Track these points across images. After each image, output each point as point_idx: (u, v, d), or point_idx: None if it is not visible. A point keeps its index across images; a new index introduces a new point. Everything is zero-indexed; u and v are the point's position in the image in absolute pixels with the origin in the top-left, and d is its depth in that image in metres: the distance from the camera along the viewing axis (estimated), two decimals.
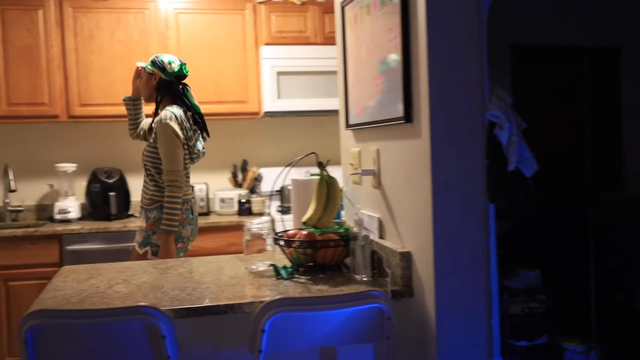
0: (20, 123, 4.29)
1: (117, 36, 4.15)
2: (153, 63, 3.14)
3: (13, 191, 4.15)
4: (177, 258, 2.96)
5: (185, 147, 3.10)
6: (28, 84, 4.05)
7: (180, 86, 3.17)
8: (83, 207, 4.30)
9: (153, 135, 3.10)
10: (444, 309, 1.90)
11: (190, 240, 3.20)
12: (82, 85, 4.11)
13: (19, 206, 4.32)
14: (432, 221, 1.88)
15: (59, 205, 4.14)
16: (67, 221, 4.10)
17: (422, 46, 1.88)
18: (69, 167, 4.21)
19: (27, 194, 4.39)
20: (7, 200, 4.28)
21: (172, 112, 3.05)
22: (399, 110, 2.02)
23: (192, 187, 3.27)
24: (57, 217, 4.11)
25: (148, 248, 3.08)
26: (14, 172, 4.21)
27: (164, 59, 3.13)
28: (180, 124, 3.05)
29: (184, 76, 3.19)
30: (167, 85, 3.14)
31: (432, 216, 1.88)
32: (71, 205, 4.14)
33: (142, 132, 3.36)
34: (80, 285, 2.19)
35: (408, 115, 1.97)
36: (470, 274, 1.92)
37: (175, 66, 3.12)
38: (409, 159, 2.02)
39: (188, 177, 3.19)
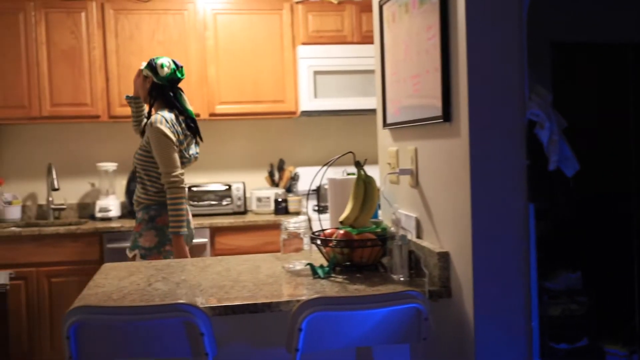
0: (63, 123, 4.39)
1: (156, 37, 4.21)
2: (148, 65, 3.16)
3: (56, 190, 4.25)
4: (213, 257, 2.99)
5: (178, 148, 3.10)
6: (71, 85, 4.15)
7: (172, 91, 3.16)
8: (123, 206, 4.38)
9: (145, 137, 3.13)
10: (482, 310, 1.87)
11: (187, 242, 3.17)
12: (122, 85, 4.18)
13: (62, 204, 4.43)
14: (471, 221, 1.85)
15: (100, 203, 4.22)
16: (108, 219, 4.19)
17: (461, 44, 1.86)
18: (110, 166, 4.29)
19: (69, 192, 4.49)
20: (50, 199, 4.39)
21: (163, 116, 3.07)
22: (437, 109, 2.00)
23: (186, 188, 3.24)
24: (98, 215, 4.19)
25: (137, 251, 3.10)
26: (57, 171, 4.31)
27: (157, 62, 3.13)
28: (171, 128, 3.07)
29: (178, 80, 3.18)
30: (159, 88, 3.15)
31: (470, 216, 1.85)
32: (111, 204, 4.22)
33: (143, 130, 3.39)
34: (121, 283, 2.23)
35: (447, 114, 1.95)
36: (510, 274, 1.89)
37: (167, 70, 3.11)
38: (447, 158, 2.00)
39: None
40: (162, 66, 3.10)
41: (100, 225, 3.97)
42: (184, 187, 3.08)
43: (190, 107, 3.21)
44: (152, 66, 3.13)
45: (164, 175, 3.06)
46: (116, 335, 1.77)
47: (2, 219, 4.25)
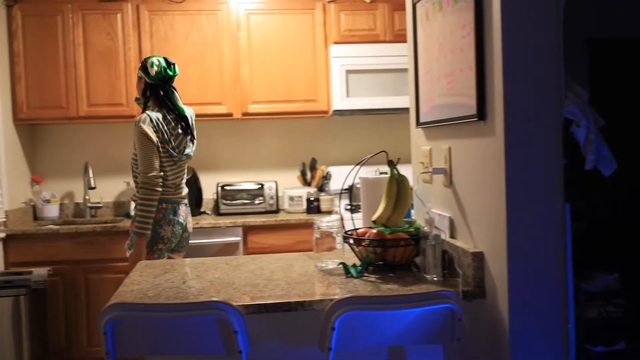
0: (99, 123, 4.47)
1: (190, 37, 4.26)
2: (141, 65, 3.20)
3: (92, 188, 4.33)
4: (246, 255, 3.01)
5: (162, 149, 3.11)
6: (107, 85, 4.22)
7: (163, 90, 3.18)
8: None
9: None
10: (517, 312, 1.85)
11: (172, 241, 3.20)
12: None
13: (98, 203, 4.51)
14: (506, 221, 1.83)
15: None
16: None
17: (496, 42, 1.84)
18: None
19: (105, 191, 4.57)
20: (87, 197, 4.47)
21: (148, 115, 3.11)
22: (471, 107, 1.98)
23: (184, 188, 3.32)
24: (133, 213, 4.24)
25: (132, 251, 3.14)
26: (94, 170, 4.39)
27: (147, 62, 3.15)
28: (155, 127, 3.08)
29: (169, 78, 3.18)
30: (151, 88, 3.18)
31: (505, 216, 1.83)
32: None
33: None
34: (156, 280, 2.26)
35: (481, 113, 1.93)
36: (545, 275, 1.87)
37: (157, 69, 3.12)
38: (482, 157, 1.98)
39: (174, 178, 3.21)
40: (152, 65, 3.13)
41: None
42: (155, 190, 3.08)
43: (182, 105, 3.23)
44: (143, 66, 3.17)
45: (140, 174, 3.09)
46: (151, 331, 1.80)
47: (40, 217, 4.34)
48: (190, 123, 3.27)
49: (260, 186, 4.35)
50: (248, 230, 4.05)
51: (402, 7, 4.18)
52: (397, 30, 4.36)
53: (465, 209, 2.15)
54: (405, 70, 4.18)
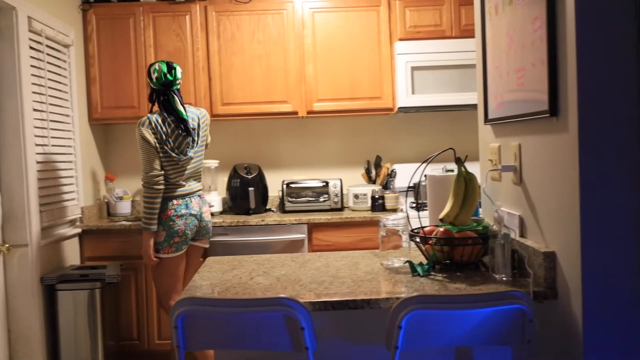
0: None
1: (256, 37, 4.31)
2: (147, 71, 3.41)
3: None
4: (312, 253, 3.02)
5: (160, 150, 3.32)
6: None
7: (165, 94, 3.35)
8: (224, 202, 4.52)
9: None
10: (592, 314, 1.79)
11: (187, 233, 3.41)
12: (224, 85, 4.32)
13: None
14: (580, 220, 1.77)
15: None
16: (211, 214, 4.33)
17: (570, 35, 1.78)
18: (212, 163, 4.43)
19: None
20: None
21: (147, 118, 3.35)
22: (543, 103, 1.92)
23: (196, 182, 3.54)
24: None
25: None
26: None
27: (151, 68, 3.36)
28: (154, 129, 3.31)
29: (170, 83, 3.35)
30: (155, 92, 3.39)
31: (579, 215, 1.77)
32: (214, 200, 4.36)
33: None
34: (224, 276, 2.30)
35: (554, 109, 1.88)
36: (622, 276, 1.79)
37: (157, 75, 3.33)
38: (553, 154, 1.92)
39: (177, 177, 3.39)
40: (154, 71, 3.35)
41: None
42: (155, 188, 3.31)
43: (181, 108, 3.36)
44: (148, 71, 3.39)
45: (142, 174, 3.36)
46: (220, 326, 1.83)
47: (113, 213, 4.50)
48: (192, 125, 3.43)
49: (325, 184, 4.37)
50: (313, 227, 4.07)
51: (469, 2, 4.11)
52: (464, 25, 4.28)
53: (536, 208, 2.09)
54: (472, 66, 4.13)
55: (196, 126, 3.46)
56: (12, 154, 3.37)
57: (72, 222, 4.03)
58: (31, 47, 3.53)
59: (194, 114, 3.48)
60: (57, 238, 3.74)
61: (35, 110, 3.55)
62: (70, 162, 3.99)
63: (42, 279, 3.51)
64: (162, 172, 3.35)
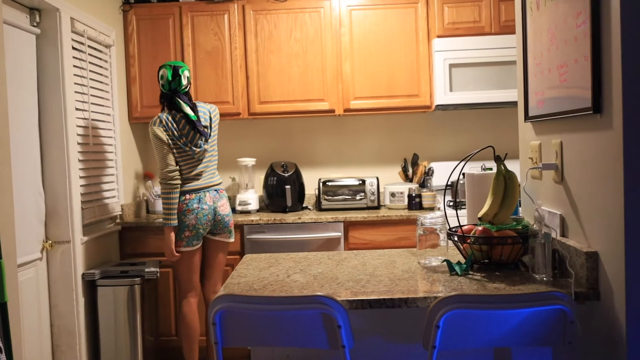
0: None
1: (294, 35, 4.32)
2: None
3: None
4: (348, 251, 3.02)
5: (174, 146, 3.44)
6: (214, 84, 4.36)
7: (172, 98, 3.47)
8: (261, 199, 4.55)
9: None
10: (635, 316, 1.74)
11: (198, 227, 3.48)
12: (261, 83, 4.34)
13: None
14: (624, 219, 1.73)
15: (240, 197, 4.41)
16: (247, 212, 4.36)
17: (615, 30, 1.74)
18: (249, 161, 4.47)
19: None
20: None
21: (158, 117, 3.48)
22: (586, 100, 1.88)
23: (211, 176, 3.64)
24: (239, 208, 4.38)
25: None
26: None
27: (158, 73, 3.49)
28: (165, 126, 3.43)
29: (175, 89, 3.46)
30: (164, 96, 3.50)
31: (623, 214, 1.73)
32: (251, 197, 4.39)
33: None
34: (262, 273, 2.31)
35: (597, 106, 1.83)
36: None
37: (162, 82, 3.48)
38: (597, 152, 1.88)
39: (190, 170, 3.50)
40: (160, 78, 3.47)
41: (240, 218, 4.14)
42: (171, 183, 3.43)
43: (189, 110, 3.45)
44: (158, 74, 3.55)
45: (158, 172, 3.50)
46: (257, 323, 1.84)
47: (152, 210, 4.56)
48: (204, 122, 3.52)
49: (361, 182, 4.36)
50: (349, 225, 4.06)
51: None
52: (504, 21, 4.22)
53: (578, 207, 2.04)
54: (511, 62, 4.07)
55: (208, 121, 3.56)
56: (55, 152, 3.45)
57: (112, 219, 4.11)
58: (74, 48, 3.60)
59: (205, 110, 3.57)
60: (98, 235, 3.81)
61: (77, 109, 3.62)
62: (110, 160, 4.07)
63: (83, 275, 3.59)
64: (177, 167, 3.47)
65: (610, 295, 1.83)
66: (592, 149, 1.92)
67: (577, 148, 2.04)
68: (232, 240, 3.67)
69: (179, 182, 3.45)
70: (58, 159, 3.46)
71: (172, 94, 3.47)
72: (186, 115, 3.44)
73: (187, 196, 3.48)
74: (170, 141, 3.43)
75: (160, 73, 3.49)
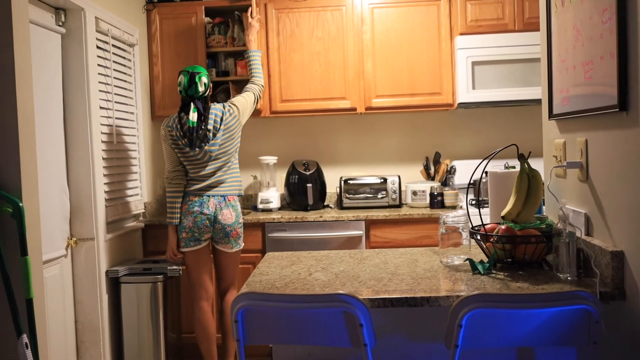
0: None
1: (315, 33, 4.32)
2: None
3: None
4: (370, 249, 3.01)
5: (174, 146, 3.48)
6: None
7: (185, 104, 3.47)
8: (282, 197, 4.56)
9: None
10: None
11: (194, 231, 3.48)
12: (283, 81, 4.35)
13: None
14: None
15: (262, 195, 4.42)
16: (269, 210, 4.37)
17: None
18: (271, 159, 4.48)
19: None
20: None
21: (169, 117, 3.54)
22: (612, 97, 1.85)
23: (218, 181, 3.57)
24: (260, 206, 4.39)
25: None
26: None
27: (178, 79, 3.52)
28: (170, 126, 3.48)
29: (191, 96, 3.47)
30: (182, 100, 3.52)
31: None
32: (272, 196, 4.40)
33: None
34: (283, 271, 2.32)
35: (623, 103, 1.81)
36: None
37: (180, 88, 3.48)
38: (622, 150, 1.85)
39: (196, 172, 3.51)
40: (179, 84, 3.50)
41: (262, 216, 4.15)
42: (171, 183, 3.52)
43: (194, 119, 3.43)
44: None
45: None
46: (279, 321, 1.84)
47: None
48: (214, 125, 3.48)
49: (383, 180, 4.35)
50: (370, 224, 4.06)
51: None
52: (527, 18, 4.18)
53: (604, 205, 2.02)
54: (535, 60, 4.02)
55: (218, 124, 3.50)
56: (80, 150, 3.49)
57: (135, 217, 4.15)
58: (98, 47, 3.64)
59: (217, 112, 3.52)
60: (122, 232, 3.85)
61: (101, 108, 3.66)
62: (134, 158, 4.11)
63: (107, 272, 3.63)
64: (180, 168, 3.52)
65: (636, 295, 1.81)
66: (617, 147, 1.89)
67: (602, 146, 2.01)
68: (236, 249, 3.59)
69: (180, 182, 3.51)
70: (82, 157, 3.50)
71: (189, 99, 3.48)
72: (188, 123, 3.44)
73: (192, 197, 3.49)
74: (171, 141, 3.47)
75: (179, 79, 3.50)
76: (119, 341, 3.76)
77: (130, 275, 3.71)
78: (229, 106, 3.58)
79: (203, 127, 3.44)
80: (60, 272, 3.37)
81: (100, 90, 3.65)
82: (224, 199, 3.53)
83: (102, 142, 3.65)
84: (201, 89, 3.47)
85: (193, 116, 3.44)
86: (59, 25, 3.43)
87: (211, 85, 3.62)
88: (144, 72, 4.35)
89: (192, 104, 3.46)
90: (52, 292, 3.25)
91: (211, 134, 3.47)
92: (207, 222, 3.48)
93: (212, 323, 3.62)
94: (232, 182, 3.58)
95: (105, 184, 3.66)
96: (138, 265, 3.78)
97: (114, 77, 3.84)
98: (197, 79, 3.46)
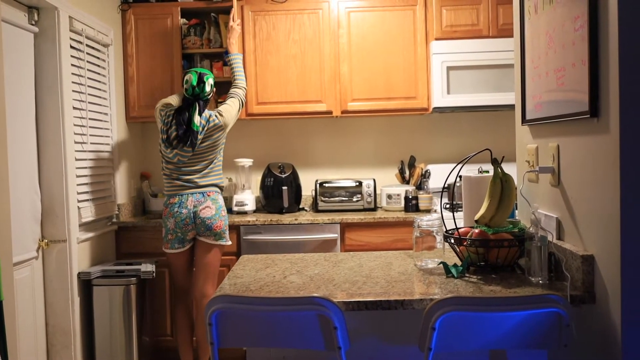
0: None
1: (292, 36, 4.32)
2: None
3: None
4: (345, 252, 3.02)
5: (160, 136, 3.56)
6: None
7: (188, 104, 3.51)
8: (257, 200, 4.54)
9: None
10: (631, 320, 1.75)
11: (177, 231, 3.52)
12: (259, 84, 4.34)
13: None
14: (620, 223, 1.73)
15: (237, 197, 4.40)
16: (244, 213, 4.35)
17: (612, 34, 1.74)
18: (246, 162, 4.46)
19: None
20: None
21: (170, 97, 3.63)
22: (583, 104, 1.89)
23: (192, 179, 3.61)
24: (235, 209, 4.37)
25: None
26: None
27: (184, 78, 3.55)
28: (160, 114, 3.58)
29: (198, 95, 3.52)
30: (184, 100, 3.55)
31: (619, 218, 1.73)
32: (247, 198, 4.38)
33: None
34: (258, 274, 2.31)
35: (594, 110, 1.84)
36: None
37: (187, 86, 3.51)
38: (593, 156, 1.89)
39: (171, 170, 3.57)
40: (185, 82, 3.51)
41: (237, 218, 4.14)
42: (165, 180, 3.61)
43: (197, 121, 3.47)
44: (183, 77, 3.62)
45: None
46: (253, 324, 1.84)
47: (149, 210, 4.56)
48: (193, 133, 3.49)
49: (358, 184, 4.36)
50: (346, 227, 4.07)
51: (507, 1, 4.06)
52: (502, 24, 4.23)
53: (575, 210, 2.05)
54: (509, 65, 4.07)
55: (204, 127, 3.52)
56: (52, 151, 3.45)
57: (108, 219, 4.10)
58: (72, 47, 3.60)
59: (203, 120, 3.53)
60: (94, 234, 3.81)
61: (75, 108, 3.62)
62: (108, 159, 4.06)
63: (79, 274, 3.58)
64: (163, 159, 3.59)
65: (605, 299, 1.84)
66: (588, 153, 1.92)
67: (573, 151, 2.04)
68: (220, 243, 3.57)
69: (165, 167, 3.60)
70: (55, 157, 3.45)
71: (193, 99, 3.49)
72: (190, 125, 3.44)
73: (171, 200, 3.53)
74: (159, 128, 3.57)
75: (186, 78, 3.50)
76: (91, 344, 3.71)
77: (103, 277, 3.67)
78: (216, 116, 3.57)
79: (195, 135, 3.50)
80: (31, 274, 3.32)
81: (73, 91, 3.60)
82: (203, 195, 3.55)
83: (75, 142, 3.60)
84: (208, 89, 3.52)
85: (198, 119, 3.46)
86: (32, 24, 3.38)
87: (214, 89, 3.66)
88: (119, 72, 4.30)
89: (196, 104, 3.47)
90: (22, 294, 3.20)
91: (196, 141, 3.51)
92: (188, 219, 3.50)
93: (191, 325, 3.67)
94: (212, 178, 3.62)
95: (78, 185, 3.61)
96: (111, 268, 3.74)
97: (88, 78, 3.80)
98: (205, 79, 3.50)
